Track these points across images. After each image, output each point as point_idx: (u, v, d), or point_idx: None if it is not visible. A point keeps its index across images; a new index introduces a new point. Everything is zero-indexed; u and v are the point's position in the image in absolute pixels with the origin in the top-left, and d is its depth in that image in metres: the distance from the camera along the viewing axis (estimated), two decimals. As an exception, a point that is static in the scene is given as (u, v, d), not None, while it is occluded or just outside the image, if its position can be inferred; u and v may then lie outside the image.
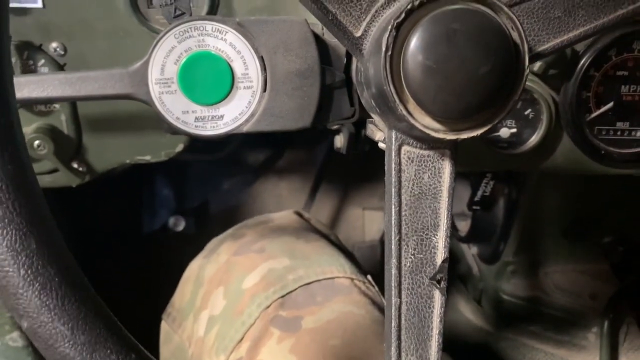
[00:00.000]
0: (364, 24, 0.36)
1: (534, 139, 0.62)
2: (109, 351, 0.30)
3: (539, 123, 0.62)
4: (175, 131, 0.46)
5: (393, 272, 0.37)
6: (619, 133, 0.63)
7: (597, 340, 0.93)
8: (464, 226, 1.03)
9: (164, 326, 0.68)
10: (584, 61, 0.59)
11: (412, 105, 0.36)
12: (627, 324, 0.93)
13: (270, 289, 0.55)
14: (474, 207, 0.81)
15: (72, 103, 0.59)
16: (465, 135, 0.36)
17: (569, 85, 0.60)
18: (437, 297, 0.38)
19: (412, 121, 0.35)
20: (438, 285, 0.38)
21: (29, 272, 0.28)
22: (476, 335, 1.03)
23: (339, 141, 0.71)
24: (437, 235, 0.38)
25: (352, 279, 0.58)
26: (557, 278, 0.98)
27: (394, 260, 0.38)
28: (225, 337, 0.54)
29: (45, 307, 0.28)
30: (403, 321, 0.37)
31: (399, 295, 0.37)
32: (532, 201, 0.93)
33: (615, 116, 0.62)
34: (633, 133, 0.63)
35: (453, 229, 1.03)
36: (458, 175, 1.00)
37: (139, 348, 0.32)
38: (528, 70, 0.36)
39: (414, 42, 0.34)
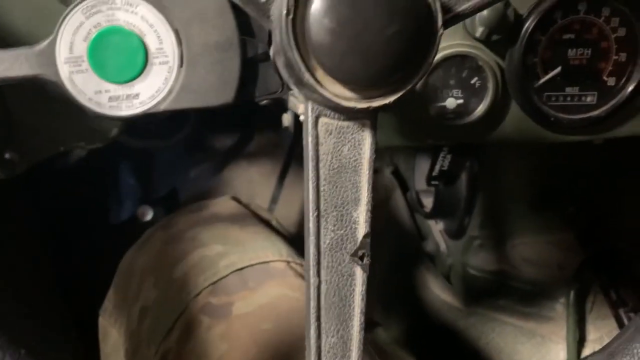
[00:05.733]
0: (267, -13, 0.34)
1: (481, 109, 0.60)
2: None
3: (486, 91, 0.60)
4: (90, 113, 0.44)
5: (311, 251, 0.36)
6: (568, 99, 0.61)
7: (564, 311, 0.92)
8: (429, 202, 1.02)
9: (102, 322, 0.66)
10: (528, 24, 0.57)
11: (320, 72, 0.33)
12: (593, 294, 0.92)
13: (201, 277, 0.54)
14: (433, 182, 0.80)
15: (-2, 89, 0.56)
16: (377, 103, 0.34)
17: (514, 50, 0.58)
18: (359, 275, 0.36)
19: (321, 90, 0.33)
20: (360, 262, 0.36)
21: None
22: (446, 311, 1.03)
23: (286, 119, 0.69)
24: (357, 209, 0.36)
25: (287, 262, 0.56)
26: (523, 250, 0.97)
27: (312, 238, 0.36)
28: (156, 328, 0.52)
29: None
30: (323, 301, 0.35)
31: (318, 275, 0.35)
32: (493, 174, 0.91)
33: (563, 81, 0.60)
34: (583, 98, 0.61)
35: (418, 205, 1.02)
36: (420, 151, 0.98)
37: None
38: (442, 31, 0.34)
39: (316, 2, 0.31)
